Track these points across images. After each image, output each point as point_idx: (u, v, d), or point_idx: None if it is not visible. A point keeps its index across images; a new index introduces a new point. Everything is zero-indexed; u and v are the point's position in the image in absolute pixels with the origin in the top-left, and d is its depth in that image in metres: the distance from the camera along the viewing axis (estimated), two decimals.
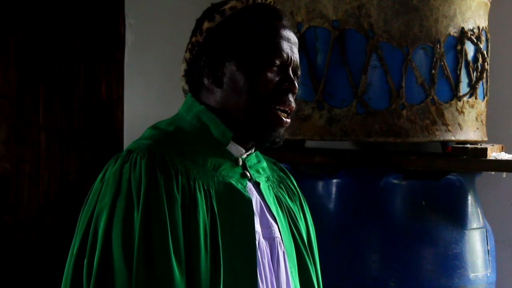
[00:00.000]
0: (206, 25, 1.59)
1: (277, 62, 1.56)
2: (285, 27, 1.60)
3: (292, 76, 1.58)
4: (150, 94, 3.56)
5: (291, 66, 1.58)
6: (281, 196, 1.68)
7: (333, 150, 2.94)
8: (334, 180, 2.65)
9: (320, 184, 2.66)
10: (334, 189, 2.64)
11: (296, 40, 1.61)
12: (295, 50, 1.60)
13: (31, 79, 3.76)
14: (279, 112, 1.57)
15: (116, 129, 3.70)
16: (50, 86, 3.76)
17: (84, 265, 1.47)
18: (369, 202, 2.61)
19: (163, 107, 3.34)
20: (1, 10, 3.74)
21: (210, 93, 1.59)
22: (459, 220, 2.62)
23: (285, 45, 1.57)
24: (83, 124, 3.76)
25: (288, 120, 1.59)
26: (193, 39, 1.60)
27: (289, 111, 1.58)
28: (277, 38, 1.57)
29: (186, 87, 1.64)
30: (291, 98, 1.57)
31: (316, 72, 2.59)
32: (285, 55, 1.57)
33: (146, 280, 1.42)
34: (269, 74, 1.55)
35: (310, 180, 2.67)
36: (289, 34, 1.59)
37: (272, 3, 1.64)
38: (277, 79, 1.56)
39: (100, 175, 1.54)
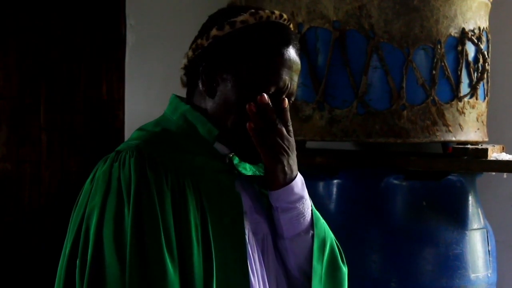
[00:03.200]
0: (214, 32, 1.57)
1: (272, 89, 1.55)
2: (291, 54, 1.57)
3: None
4: (151, 94, 3.56)
5: (285, 93, 1.57)
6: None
7: (333, 150, 2.95)
8: (335, 181, 2.65)
9: (321, 184, 2.67)
10: (334, 189, 2.64)
11: (299, 67, 1.59)
12: (295, 77, 1.58)
13: (32, 79, 3.76)
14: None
15: (117, 129, 3.70)
16: (51, 87, 3.76)
17: (77, 265, 1.47)
18: (369, 202, 2.61)
19: (164, 107, 3.33)
20: (1, 11, 3.74)
21: (202, 98, 1.60)
22: (460, 221, 2.62)
23: (285, 73, 1.56)
24: (84, 125, 3.76)
25: None
26: (198, 41, 1.59)
27: None
28: (279, 65, 1.55)
29: (184, 79, 1.65)
30: None
31: (316, 73, 2.59)
32: (281, 83, 1.55)
33: (140, 275, 1.42)
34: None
35: (311, 181, 2.66)
36: (293, 62, 1.57)
37: (287, 22, 1.61)
38: None
39: (90, 176, 1.56)
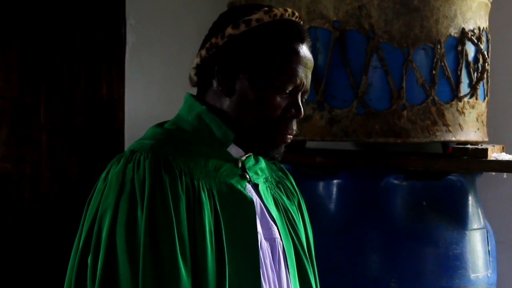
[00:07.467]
0: (229, 30, 1.57)
1: (290, 87, 1.56)
2: (305, 51, 1.59)
3: (300, 103, 1.58)
4: (151, 94, 3.56)
5: (302, 90, 1.59)
6: (278, 197, 1.69)
7: (333, 150, 2.95)
8: (335, 181, 2.65)
9: (321, 184, 2.67)
10: (334, 189, 2.64)
11: (313, 64, 1.61)
12: (309, 75, 1.60)
13: (32, 79, 3.76)
14: (284, 135, 1.59)
15: (117, 129, 3.70)
16: (51, 87, 3.76)
17: (88, 266, 1.47)
18: (369, 202, 2.61)
19: (164, 107, 3.34)
20: (2, 11, 3.74)
21: (217, 97, 1.59)
22: (460, 221, 2.62)
23: (301, 70, 1.57)
24: (84, 125, 3.76)
25: (290, 137, 1.60)
26: (213, 40, 1.58)
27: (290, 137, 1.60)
28: (295, 63, 1.56)
29: (195, 78, 1.64)
30: (294, 125, 1.59)
31: (316, 73, 2.59)
32: (298, 81, 1.57)
33: (153, 280, 1.42)
34: (279, 99, 1.56)
35: (311, 181, 2.68)
36: (308, 59, 1.59)
37: (299, 19, 1.62)
38: (285, 103, 1.57)
39: (103, 174, 1.54)
